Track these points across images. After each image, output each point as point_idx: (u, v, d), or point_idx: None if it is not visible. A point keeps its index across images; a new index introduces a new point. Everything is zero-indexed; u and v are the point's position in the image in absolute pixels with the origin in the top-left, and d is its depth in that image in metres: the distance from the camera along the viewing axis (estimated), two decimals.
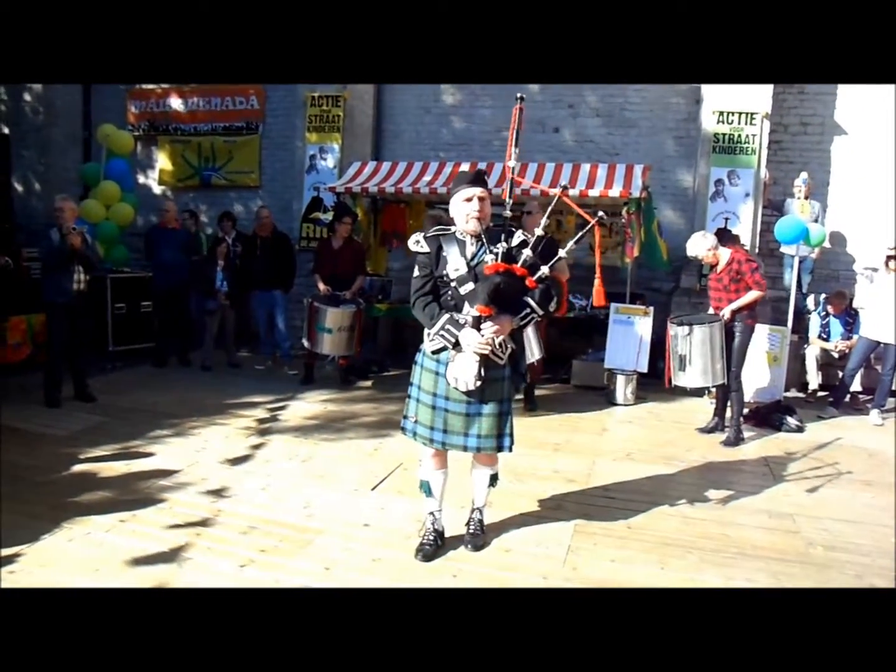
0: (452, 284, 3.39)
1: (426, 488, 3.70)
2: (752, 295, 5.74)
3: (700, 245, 5.89)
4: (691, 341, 5.66)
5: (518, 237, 3.43)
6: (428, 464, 3.67)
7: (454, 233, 3.47)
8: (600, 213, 3.59)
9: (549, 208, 3.62)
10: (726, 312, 5.74)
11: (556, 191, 3.66)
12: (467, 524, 3.82)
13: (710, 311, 6.07)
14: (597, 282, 3.92)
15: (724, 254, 5.87)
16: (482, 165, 7.35)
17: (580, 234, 3.56)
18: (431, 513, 3.73)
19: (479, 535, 3.78)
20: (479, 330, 3.30)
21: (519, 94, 3.47)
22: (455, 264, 3.38)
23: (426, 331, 3.53)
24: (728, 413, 5.98)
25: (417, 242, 3.47)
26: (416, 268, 3.50)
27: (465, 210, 3.39)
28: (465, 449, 3.53)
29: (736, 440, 5.77)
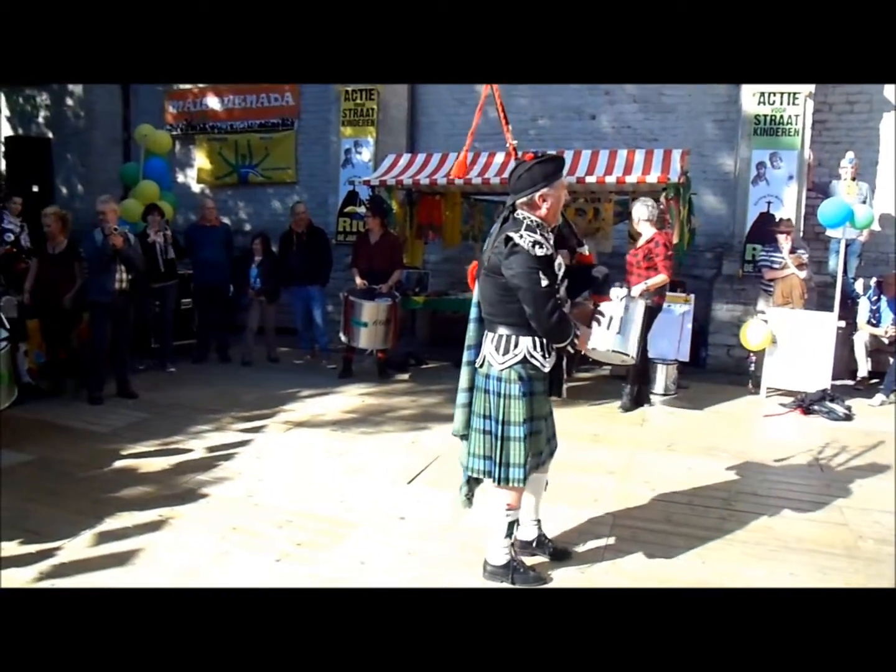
0: (556, 283, 2.96)
1: (514, 529, 3.21)
2: (660, 278, 5.88)
3: (640, 209, 6.06)
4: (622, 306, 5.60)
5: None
6: (515, 503, 3.17)
7: (539, 225, 2.95)
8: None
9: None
10: (634, 292, 5.61)
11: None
12: (543, 537, 3.50)
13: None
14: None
15: (647, 231, 6.02)
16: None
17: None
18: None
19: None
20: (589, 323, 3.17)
21: None
22: (558, 260, 2.97)
23: (533, 351, 2.96)
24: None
25: (538, 244, 2.82)
26: (541, 275, 2.82)
27: (562, 201, 3.00)
28: (550, 455, 3.33)
29: (630, 406, 6.18)
